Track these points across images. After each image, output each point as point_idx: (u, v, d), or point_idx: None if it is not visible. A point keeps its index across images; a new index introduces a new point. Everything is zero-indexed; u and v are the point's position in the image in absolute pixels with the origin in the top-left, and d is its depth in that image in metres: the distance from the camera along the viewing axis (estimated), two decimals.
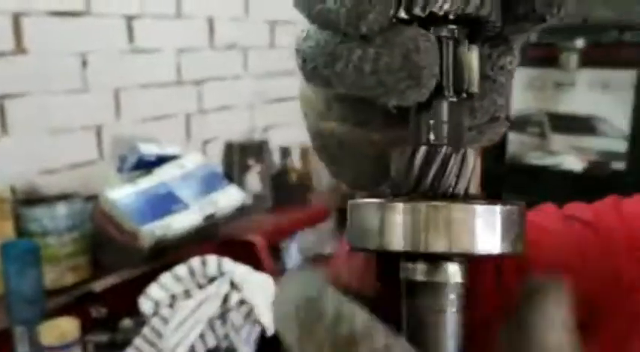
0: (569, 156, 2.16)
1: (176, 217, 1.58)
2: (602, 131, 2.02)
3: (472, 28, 0.26)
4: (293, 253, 2.19)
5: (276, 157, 2.32)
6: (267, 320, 1.35)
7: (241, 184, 2.08)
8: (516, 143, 2.29)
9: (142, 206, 1.56)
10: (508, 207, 0.25)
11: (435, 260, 0.25)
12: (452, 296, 0.25)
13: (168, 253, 1.53)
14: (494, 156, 2.14)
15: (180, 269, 1.39)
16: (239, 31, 2.15)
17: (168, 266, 1.40)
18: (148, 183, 1.62)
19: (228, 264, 1.39)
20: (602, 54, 1.91)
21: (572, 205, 0.44)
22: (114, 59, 1.78)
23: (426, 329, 0.24)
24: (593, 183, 1.98)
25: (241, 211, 1.84)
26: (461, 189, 0.25)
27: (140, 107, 1.84)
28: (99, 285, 1.48)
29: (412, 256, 0.25)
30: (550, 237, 0.40)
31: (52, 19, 1.62)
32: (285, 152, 2.36)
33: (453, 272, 0.25)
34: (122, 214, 1.53)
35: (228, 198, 1.75)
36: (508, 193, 2.00)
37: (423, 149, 0.25)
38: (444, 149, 0.25)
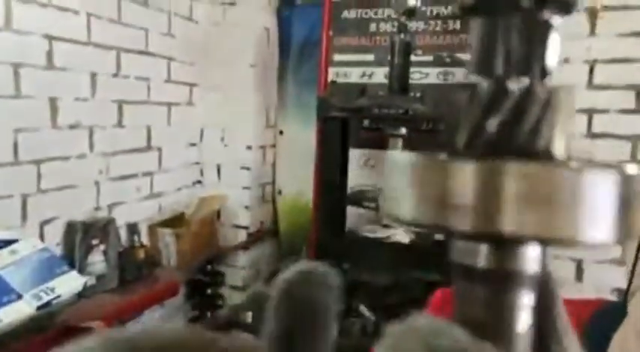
0: (399, 229, 2.39)
1: (6, 309, 1.52)
2: None
3: None
4: None
5: (123, 234, 2.30)
6: None
7: (84, 265, 2.04)
8: (355, 216, 2.50)
9: None
10: (627, 172, 0.17)
11: (509, 242, 0.18)
12: (528, 289, 0.19)
13: None
14: (334, 229, 2.30)
15: None
16: (84, 110, 2.15)
17: None
18: None
19: None
20: (421, 139, 2.18)
21: None
22: None
23: (499, 326, 0.18)
24: (418, 252, 2.21)
25: (83, 294, 1.79)
26: (543, 142, 0.18)
27: None
28: None
29: (476, 236, 0.18)
30: None
31: None
32: (133, 229, 2.35)
33: (533, 258, 0.18)
34: None
35: (67, 283, 1.71)
36: (348, 263, 2.16)
37: (487, 84, 0.18)
38: (517, 83, 0.18)
